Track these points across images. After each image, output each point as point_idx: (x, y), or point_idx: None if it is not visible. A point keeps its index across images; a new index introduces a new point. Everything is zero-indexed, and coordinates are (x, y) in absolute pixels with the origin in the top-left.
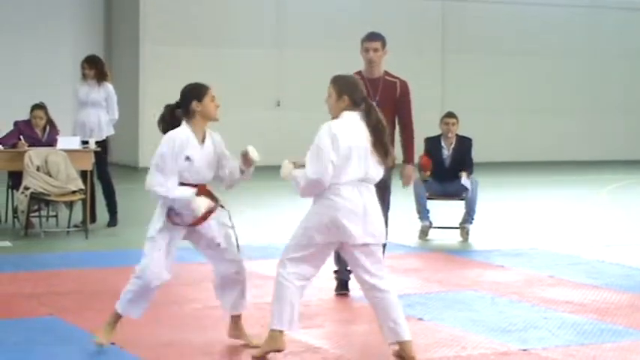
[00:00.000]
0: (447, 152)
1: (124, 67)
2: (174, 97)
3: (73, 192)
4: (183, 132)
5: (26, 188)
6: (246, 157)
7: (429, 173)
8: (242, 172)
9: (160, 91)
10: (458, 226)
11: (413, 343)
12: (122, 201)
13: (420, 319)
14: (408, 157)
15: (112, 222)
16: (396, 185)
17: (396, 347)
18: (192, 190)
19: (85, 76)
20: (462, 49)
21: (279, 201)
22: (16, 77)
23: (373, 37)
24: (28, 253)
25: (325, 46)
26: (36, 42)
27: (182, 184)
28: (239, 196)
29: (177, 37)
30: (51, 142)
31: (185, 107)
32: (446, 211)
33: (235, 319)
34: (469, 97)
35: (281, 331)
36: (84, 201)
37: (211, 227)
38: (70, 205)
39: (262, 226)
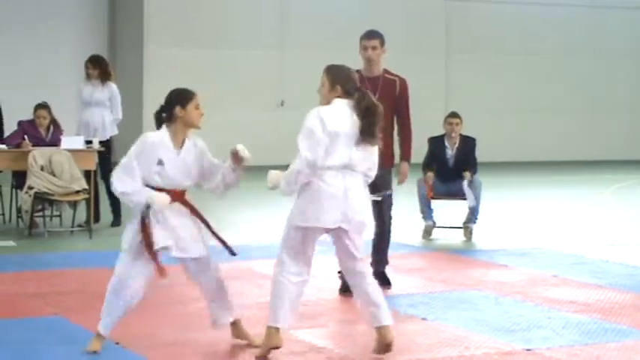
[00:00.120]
0: (450, 152)
1: (128, 68)
2: None
3: (77, 192)
4: (157, 134)
5: (30, 188)
6: (236, 156)
7: (431, 195)
8: (233, 170)
9: (163, 91)
10: (461, 225)
11: (392, 328)
12: None
13: (424, 318)
14: (405, 154)
15: (116, 222)
16: (398, 185)
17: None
18: (149, 194)
19: (88, 76)
20: (466, 48)
21: (280, 201)
22: (20, 77)
23: (371, 35)
24: (31, 252)
25: (328, 46)
26: (39, 42)
27: (154, 188)
28: (239, 196)
29: (181, 37)
30: (55, 142)
31: (168, 111)
32: (449, 211)
33: (234, 324)
34: (473, 96)
35: (277, 328)
36: (88, 201)
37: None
38: (73, 204)
39: (262, 226)
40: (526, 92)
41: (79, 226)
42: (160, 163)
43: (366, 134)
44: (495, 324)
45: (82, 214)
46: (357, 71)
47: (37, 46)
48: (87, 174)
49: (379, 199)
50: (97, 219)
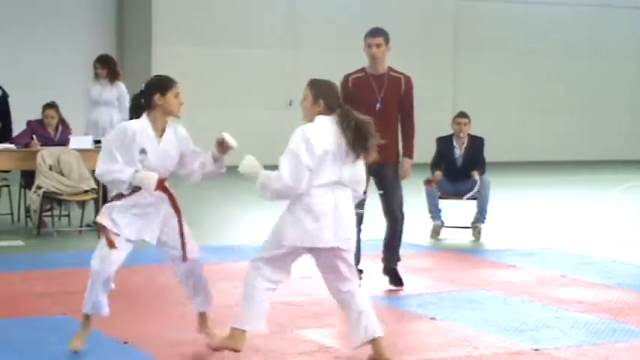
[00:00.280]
0: (458, 152)
1: (136, 67)
2: (186, 97)
3: (86, 191)
4: (138, 123)
5: (39, 187)
6: (222, 144)
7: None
8: (216, 160)
9: None
10: (470, 225)
11: (385, 340)
12: None
13: (432, 318)
14: (408, 151)
15: None
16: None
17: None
18: (139, 175)
19: (97, 76)
20: (475, 48)
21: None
22: (28, 77)
23: (376, 32)
24: (40, 252)
25: (337, 45)
26: (48, 42)
27: None
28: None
29: (189, 37)
30: (63, 142)
31: (147, 99)
32: (458, 211)
33: (203, 315)
34: (481, 96)
35: (244, 331)
36: (96, 200)
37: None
38: (82, 204)
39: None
40: (538, 91)
41: (88, 225)
42: (143, 152)
43: (360, 148)
44: (504, 324)
45: (90, 213)
46: (362, 69)
47: (46, 46)
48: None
49: (362, 211)
50: None
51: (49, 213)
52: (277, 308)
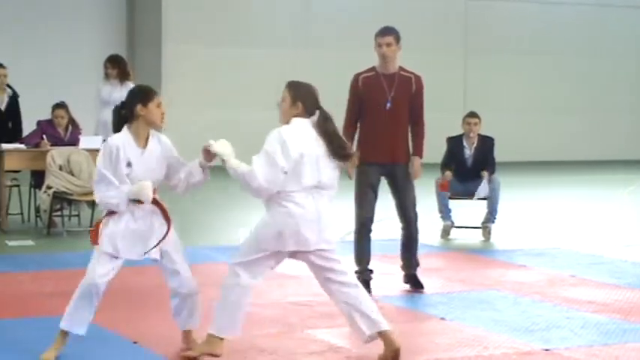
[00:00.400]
0: (469, 152)
1: (146, 67)
2: (195, 96)
3: None
4: (119, 137)
5: (49, 187)
6: (208, 152)
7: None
8: (203, 169)
9: (182, 90)
10: (480, 225)
11: (393, 332)
12: None
13: (442, 318)
14: (417, 150)
15: None
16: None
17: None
18: (132, 190)
19: (107, 76)
20: (485, 48)
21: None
22: (38, 76)
23: (386, 31)
24: (50, 252)
25: (349, 46)
26: (58, 41)
27: None
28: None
29: (199, 36)
30: (73, 142)
31: (130, 109)
32: (468, 211)
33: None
34: (491, 96)
35: (222, 339)
36: None
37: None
38: (92, 204)
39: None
40: (546, 92)
41: None
42: (129, 165)
43: (338, 155)
44: (514, 324)
45: (100, 213)
46: (372, 68)
47: (56, 46)
48: None
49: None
50: None
51: (59, 213)
52: (287, 308)
